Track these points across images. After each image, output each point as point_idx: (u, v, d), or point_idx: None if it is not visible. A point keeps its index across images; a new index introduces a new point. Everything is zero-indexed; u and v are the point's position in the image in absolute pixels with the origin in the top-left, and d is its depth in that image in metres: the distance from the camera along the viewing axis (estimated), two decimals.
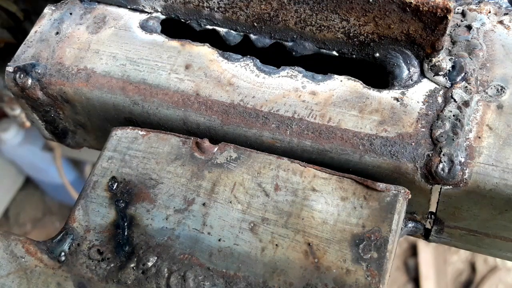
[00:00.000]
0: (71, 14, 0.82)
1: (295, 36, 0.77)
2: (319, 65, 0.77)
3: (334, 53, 0.76)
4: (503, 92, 0.68)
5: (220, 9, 0.77)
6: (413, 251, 2.41)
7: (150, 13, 0.82)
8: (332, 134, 0.67)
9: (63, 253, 0.65)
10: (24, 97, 0.79)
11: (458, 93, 0.68)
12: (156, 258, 0.63)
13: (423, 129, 0.66)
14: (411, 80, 0.71)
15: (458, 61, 0.71)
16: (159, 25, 0.81)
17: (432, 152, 0.65)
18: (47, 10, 0.83)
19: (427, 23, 0.68)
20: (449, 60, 0.71)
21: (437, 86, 0.70)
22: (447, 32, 0.69)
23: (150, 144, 0.70)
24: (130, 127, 0.72)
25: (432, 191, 0.66)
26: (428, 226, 0.72)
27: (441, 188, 0.65)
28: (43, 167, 2.41)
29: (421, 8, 0.66)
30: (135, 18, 0.81)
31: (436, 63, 0.71)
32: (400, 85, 0.71)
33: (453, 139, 0.65)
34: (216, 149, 0.69)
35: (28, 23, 1.34)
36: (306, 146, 0.68)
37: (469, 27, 0.74)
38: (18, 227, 2.73)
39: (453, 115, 0.66)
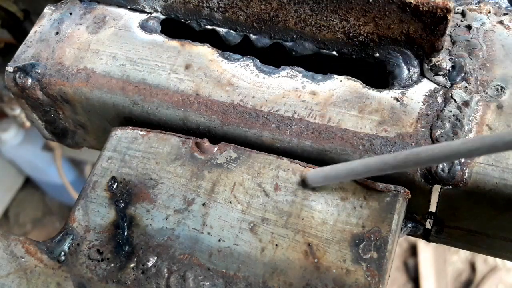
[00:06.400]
0: (71, 14, 0.82)
1: (295, 36, 0.77)
2: (319, 65, 0.77)
3: (334, 53, 0.76)
4: (503, 92, 0.68)
5: (220, 9, 0.77)
6: (413, 251, 2.41)
7: (150, 13, 0.82)
8: (332, 134, 0.67)
9: (63, 253, 0.65)
10: (24, 97, 0.79)
11: (458, 93, 0.68)
12: (156, 258, 0.63)
13: (423, 129, 0.66)
14: (411, 80, 0.71)
15: (458, 61, 0.71)
16: (159, 25, 0.81)
17: None
18: (47, 10, 0.83)
19: (427, 23, 0.68)
20: (449, 60, 0.71)
21: (437, 86, 0.70)
22: (447, 32, 0.69)
23: (150, 144, 0.70)
24: (130, 127, 0.72)
25: (432, 191, 0.66)
26: (428, 226, 0.72)
27: (441, 188, 0.65)
28: (43, 167, 2.41)
29: (421, 8, 0.66)
30: (135, 18, 0.81)
31: (436, 63, 0.71)
32: (400, 85, 0.71)
33: (453, 139, 0.64)
34: (216, 149, 0.69)
35: (28, 23, 1.34)
36: (306, 146, 0.68)
37: (469, 27, 0.74)
38: (18, 227, 2.73)
39: (453, 115, 0.66)
